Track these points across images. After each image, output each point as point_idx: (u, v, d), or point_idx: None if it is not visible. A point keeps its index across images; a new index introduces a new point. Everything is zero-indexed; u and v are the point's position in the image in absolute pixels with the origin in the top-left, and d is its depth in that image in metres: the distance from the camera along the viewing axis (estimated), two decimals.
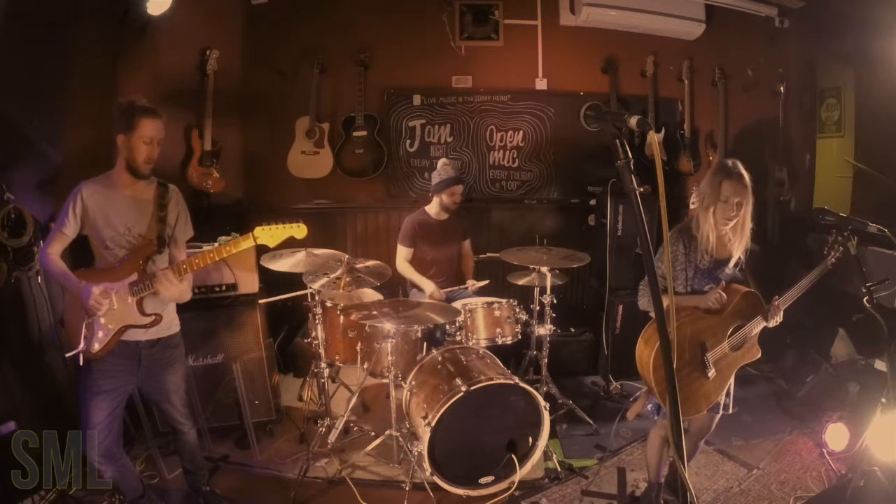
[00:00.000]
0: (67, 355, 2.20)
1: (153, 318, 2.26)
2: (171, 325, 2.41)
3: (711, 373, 2.20)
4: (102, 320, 2.20)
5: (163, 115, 2.26)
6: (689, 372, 2.19)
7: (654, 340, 2.16)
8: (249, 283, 3.21)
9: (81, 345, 2.17)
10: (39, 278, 2.72)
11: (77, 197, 2.21)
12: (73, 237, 2.26)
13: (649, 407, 2.41)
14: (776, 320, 2.27)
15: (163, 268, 2.25)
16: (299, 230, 2.27)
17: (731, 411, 2.39)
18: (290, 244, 3.01)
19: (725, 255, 2.32)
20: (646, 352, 2.22)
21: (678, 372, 2.09)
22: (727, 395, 2.35)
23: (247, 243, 2.22)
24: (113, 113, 2.23)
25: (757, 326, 2.28)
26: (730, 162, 2.29)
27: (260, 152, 4.51)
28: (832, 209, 2.81)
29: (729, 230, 2.28)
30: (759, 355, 2.34)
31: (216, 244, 2.99)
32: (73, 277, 2.20)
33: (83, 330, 2.17)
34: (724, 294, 2.24)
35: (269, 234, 2.22)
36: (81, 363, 2.20)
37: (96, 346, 2.20)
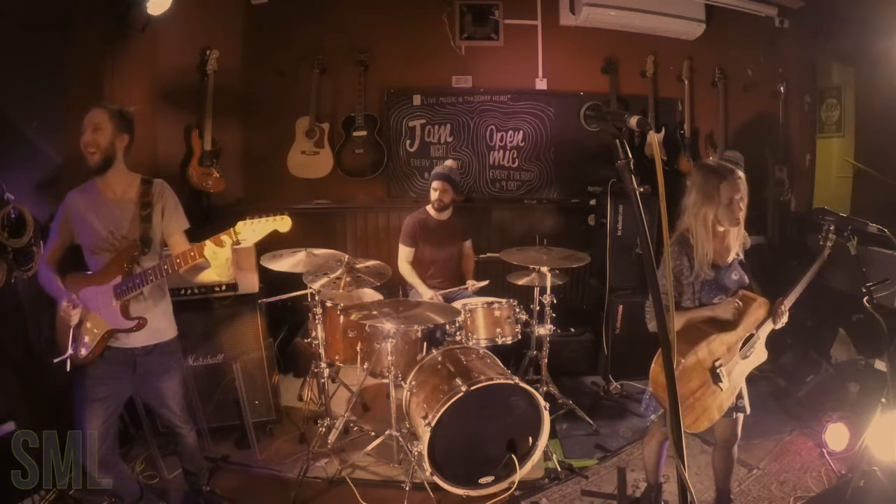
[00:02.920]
0: (55, 361, 2.16)
1: (137, 321, 2.19)
2: (166, 330, 2.34)
3: (725, 384, 2.15)
4: (88, 325, 2.17)
5: (103, 104, 2.17)
6: (705, 390, 2.13)
7: None
8: (249, 283, 3.21)
9: (69, 350, 2.14)
10: None
11: (63, 207, 2.21)
12: (65, 246, 2.26)
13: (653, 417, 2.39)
14: (783, 321, 2.24)
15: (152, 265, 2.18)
16: (283, 223, 2.07)
17: (748, 412, 2.32)
18: (290, 244, 3.03)
19: (726, 258, 2.26)
20: (662, 374, 2.18)
21: (694, 393, 2.06)
22: (739, 396, 2.29)
23: (227, 239, 2.04)
24: None
25: (765, 331, 2.25)
26: (713, 162, 2.26)
27: (260, 152, 4.51)
28: (832, 209, 2.80)
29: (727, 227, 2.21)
30: (766, 357, 2.31)
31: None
32: (57, 287, 2.18)
33: (70, 335, 2.14)
34: (740, 302, 2.17)
35: (250, 229, 2.04)
36: (68, 369, 2.16)
37: (83, 352, 2.17)
